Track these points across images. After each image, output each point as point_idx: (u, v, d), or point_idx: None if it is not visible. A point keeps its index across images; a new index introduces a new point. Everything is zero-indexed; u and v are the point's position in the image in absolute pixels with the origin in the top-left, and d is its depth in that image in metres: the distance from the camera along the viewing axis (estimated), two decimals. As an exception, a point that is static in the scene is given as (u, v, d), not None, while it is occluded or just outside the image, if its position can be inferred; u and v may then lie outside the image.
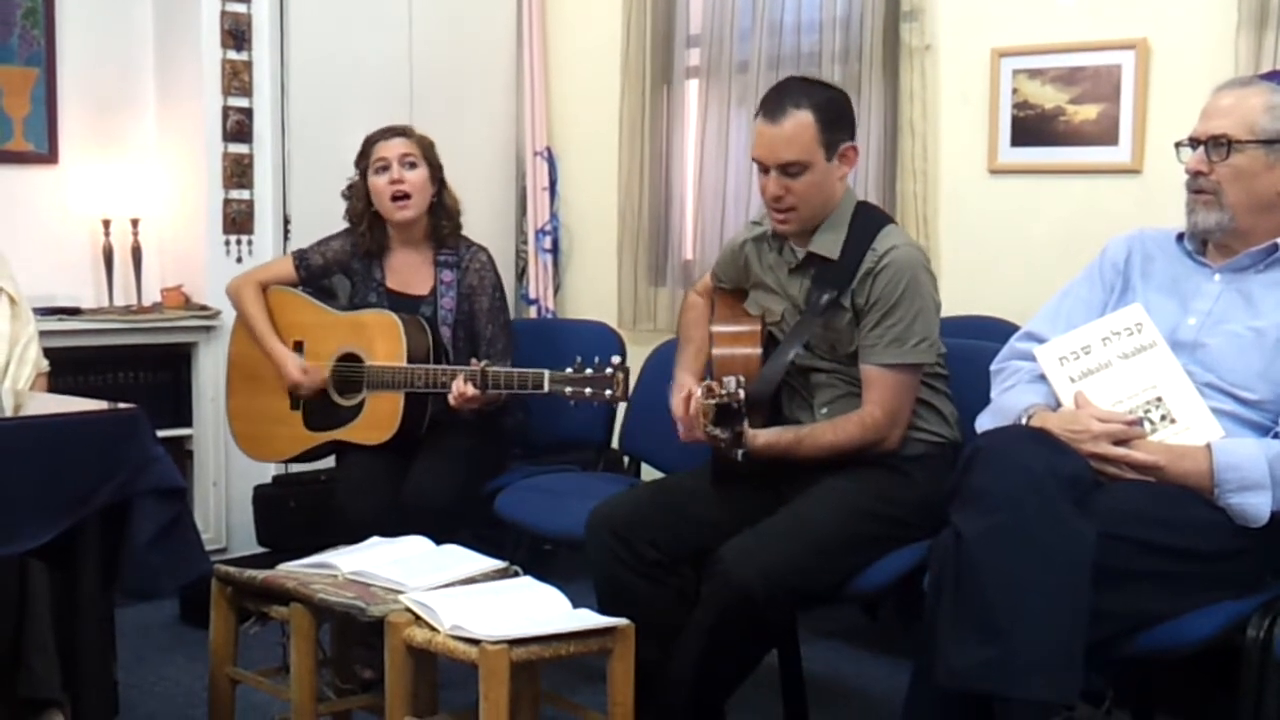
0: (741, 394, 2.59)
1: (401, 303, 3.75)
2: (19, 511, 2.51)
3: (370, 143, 3.76)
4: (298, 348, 3.78)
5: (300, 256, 3.86)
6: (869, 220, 2.97)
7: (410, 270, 3.79)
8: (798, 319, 2.99)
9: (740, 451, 2.65)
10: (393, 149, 3.70)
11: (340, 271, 3.86)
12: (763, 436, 2.80)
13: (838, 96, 2.97)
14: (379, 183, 3.69)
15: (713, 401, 2.59)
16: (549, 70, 5.21)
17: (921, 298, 2.88)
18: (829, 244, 2.94)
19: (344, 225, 3.86)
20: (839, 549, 2.76)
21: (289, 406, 3.80)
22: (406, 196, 3.69)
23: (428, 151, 3.76)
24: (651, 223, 4.91)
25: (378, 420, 3.62)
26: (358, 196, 3.77)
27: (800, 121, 2.86)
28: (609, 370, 3.20)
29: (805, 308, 2.95)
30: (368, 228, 3.76)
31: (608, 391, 3.20)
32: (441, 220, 3.77)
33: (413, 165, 3.71)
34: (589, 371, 3.22)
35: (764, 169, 2.92)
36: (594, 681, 2.91)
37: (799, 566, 2.69)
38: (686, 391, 2.94)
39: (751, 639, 2.79)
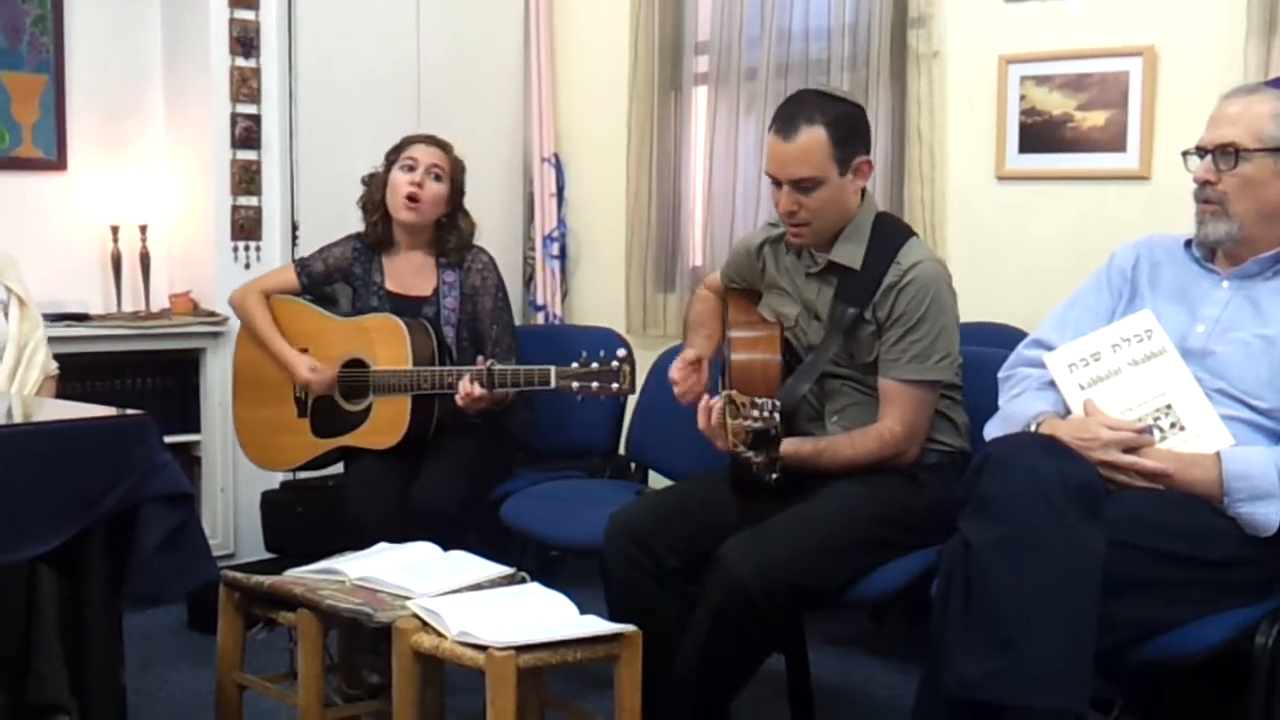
0: (778, 418, 2.58)
1: (403, 305, 3.76)
2: (27, 517, 2.52)
3: (408, 142, 3.81)
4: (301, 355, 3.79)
5: (302, 265, 3.89)
6: (892, 232, 2.96)
7: (412, 271, 3.81)
8: (814, 325, 2.99)
9: (774, 476, 2.64)
10: (426, 155, 3.75)
11: (341, 278, 3.88)
12: (782, 445, 2.78)
13: (852, 111, 2.95)
14: (399, 178, 3.73)
15: (748, 424, 2.58)
16: (556, 76, 5.22)
17: (944, 315, 2.88)
18: (850, 254, 2.94)
19: (345, 233, 3.89)
20: (840, 550, 2.75)
21: (296, 414, 3.80)
22: (418, 201, 3.71)
23: (456, 173, 3.80)
24: (660, 229, 4.91)
25: (385, 424, 3.63)
26: (376, 186, 3.80)
27: (813, 138, 2.85)
28: (614, 364, 3.22)
29: (830, 324, 2.94)
30: (381, 218, 3.79)
31: (614, 385, 3.21)
32: (449, 235, 3.79)
33: (437, 178, 3.74)
34: (595, 366, 3.24)
35: (777, 183, 2.92)
36: (601, 688, 2.91)
37: (798, 565, 2.68)
38: (684, 359, 2.99)
39: (751, 636, 2.77)
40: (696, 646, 2.74)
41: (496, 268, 3.84)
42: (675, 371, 3.04)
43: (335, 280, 3.89)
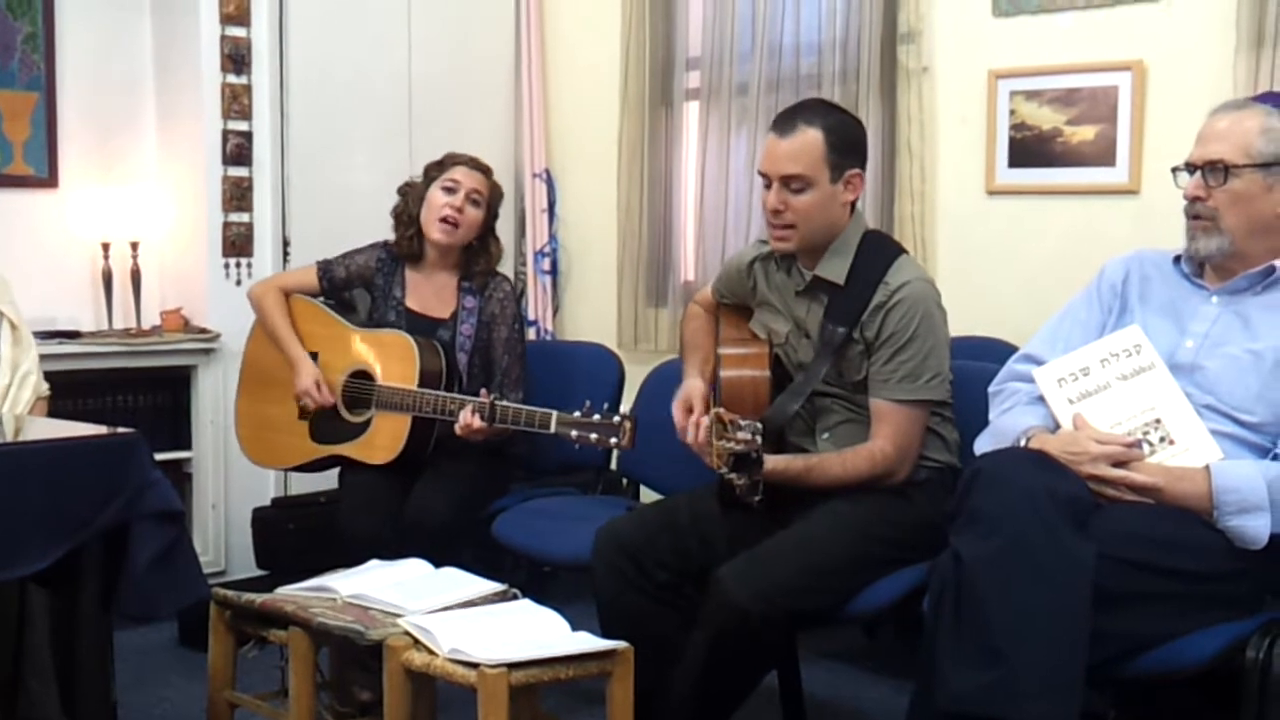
0: (759, 440, 2.58)
1: (420, 324, 3.76)
2: (20, 535, 2.52)
3: (452, 161, 3.81)
4: (312, 358, 3.78)
5: (325, 267, 3.88)
6: (880, 250, 2.96)
7: (433, 292, 3.82)
8: (804, 343, 2.99)
9: (757, 499, 2.64)
10: (469, 179, 3.76)
11: (362, 286, 3.88)
12: (770, 462, 2.77)
13: (851, 123, 2.98)
14: (439, 198, 3.73)
15: (730, 446, 2.58)
16: (548, 92, 5.23)
17: (934, 334, 2.88)
18: (835, 269, 2.94)
19: (342, 250, 3.88)
20: (837, 570, 2.76)
21: (296, 416, 3.80)
22: (455, 226, 3.72)
23: (493, 200, 3.83)
24: (651, 244, 4.92)
25: (383, 440, 3.63)
26: (414, 198, 3.80)
27: (808, 137, 2.87)
28: (616, 418, 3.22)
29: (820, 343, 2.94)
30: (415, 232, 3.79)
31: (613, 439, 3.21)
32: (478, 257, 3.81)
33: (475, 203, 3.76)
34: (597, 417, 3.23)
35: (767, 182, 2.92)
36: (593, 705, 2.91)
37: (796, 587, 2.69)
38: (687, 401, 2.96)
39: (750, 659, 2.78)
40: (694, 670, 2.75)
41: (516, 299, 3.85)
42: (677, 418, 2.99)
43: (355, 287, 3.90)
